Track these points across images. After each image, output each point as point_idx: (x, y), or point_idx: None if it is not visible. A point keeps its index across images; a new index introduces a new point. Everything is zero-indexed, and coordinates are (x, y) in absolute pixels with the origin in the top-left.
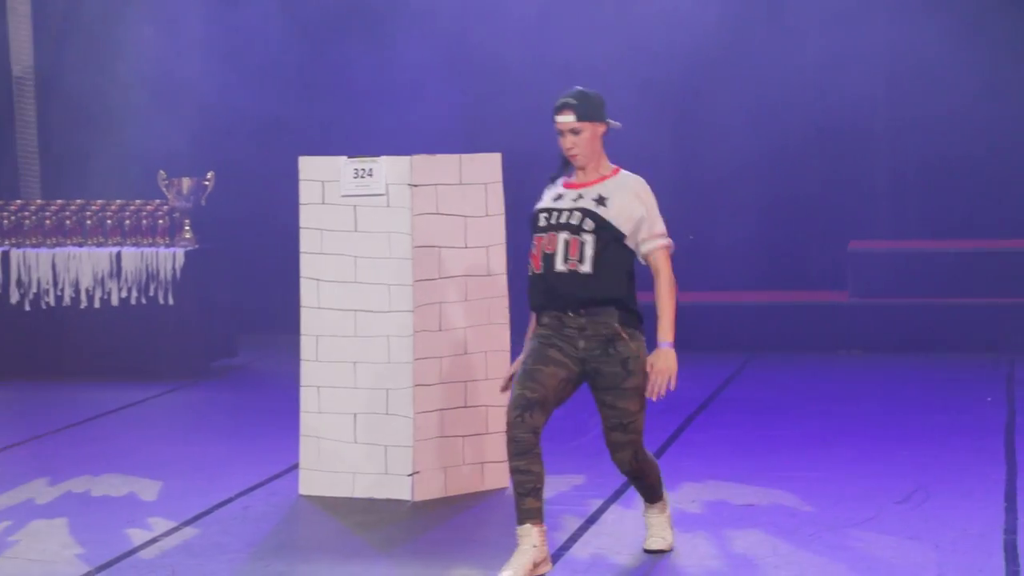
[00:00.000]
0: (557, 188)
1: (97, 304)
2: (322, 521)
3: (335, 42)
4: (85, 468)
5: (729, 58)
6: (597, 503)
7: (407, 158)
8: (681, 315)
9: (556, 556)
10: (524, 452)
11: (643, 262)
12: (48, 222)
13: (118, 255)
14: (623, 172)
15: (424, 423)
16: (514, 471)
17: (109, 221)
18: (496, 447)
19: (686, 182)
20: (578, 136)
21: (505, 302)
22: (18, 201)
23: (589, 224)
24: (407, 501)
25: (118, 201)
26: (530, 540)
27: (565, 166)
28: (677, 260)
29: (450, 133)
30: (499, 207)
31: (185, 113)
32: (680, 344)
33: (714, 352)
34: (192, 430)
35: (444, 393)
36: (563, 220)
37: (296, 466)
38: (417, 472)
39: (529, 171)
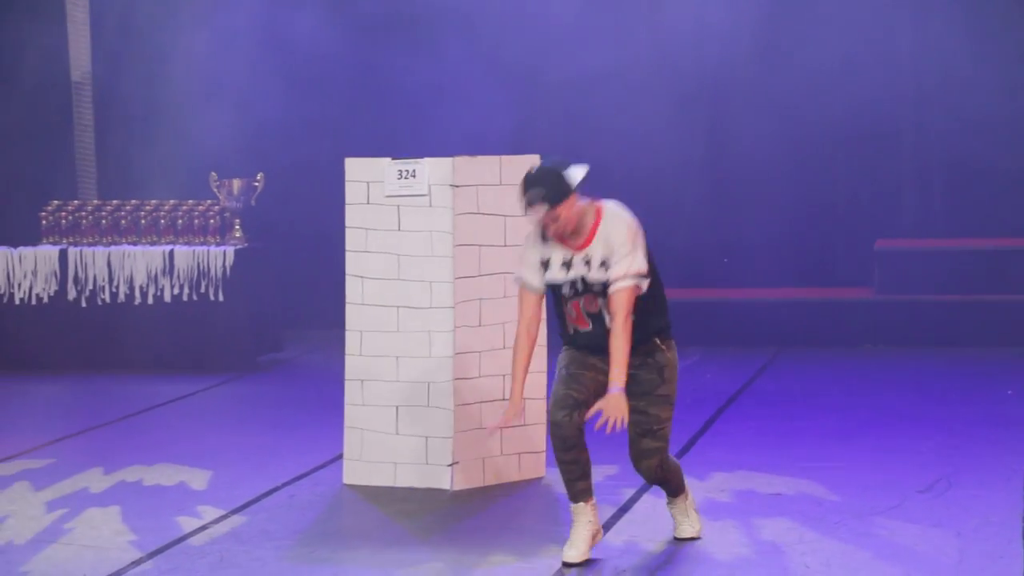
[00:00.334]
0: (553, 249)
1: (150, 300)
2: (365, 509)
3: (382, 47)
4: (138, 458)
5: (760, 61)
6: (630, 492)
7: (449, 159)
8: (713, 311)
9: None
10: (571, 447)
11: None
12: (104, 222)
13: (171, 253)
14: (605, 212)
15: (463, 415)
16: (562, 462)
17: (162, 220)
18: (532, 438)
19: (718, 183)
20: (558, 220)
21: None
22: (75, 201)
23: (581, 268)
24: (447, 490)
25: (171, 201)
26: (585, 516)
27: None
28: (709, 258)
29: (491, 135)
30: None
31: (236, 116)
32: (711, 339)
33: (744, 346)
34: (240, 422)
35: (483, 386)
36: (589, 286)
37: (340, 456)
38: (456, 462)
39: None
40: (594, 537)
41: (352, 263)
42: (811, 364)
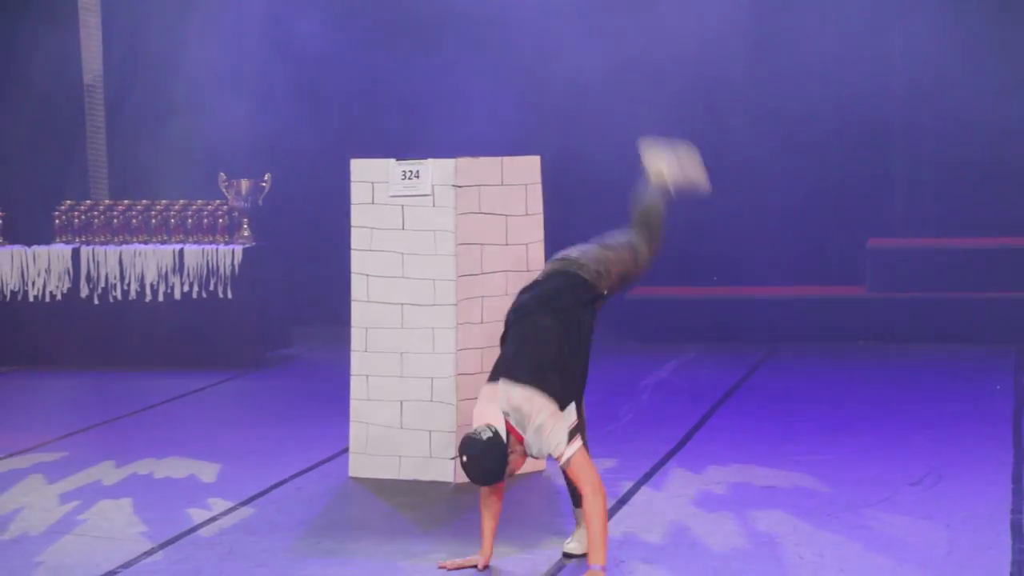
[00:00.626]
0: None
1: (161, 298)
2: (370, 501)
3: (387, 52)
4: (149, 452)
5: (754, 64)
6: (628, 484)
7: (451, 161)
8: (709, 308)
9: None
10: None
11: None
12: (116, 221)
13: (181, 252)
14: (524, 433)
15: (466, 410)
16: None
17: (172, 220)
18: None
19: (714, 183)
20: (511, 472)
21: None
22: (88, 201)
23: None
24: (450, 483)
25: (181, 201)
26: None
27: None
28: (708, 256)
29: (493, 137)
30: (538, 207)
31: (244, 118)
32: (708, 335)
33: (739, 343)
34: (249, 416)
35: (485, 382)
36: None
37: (346, 450)
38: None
39: (567, 173)
40: None
41: (357, 261)
42: (805, 360)
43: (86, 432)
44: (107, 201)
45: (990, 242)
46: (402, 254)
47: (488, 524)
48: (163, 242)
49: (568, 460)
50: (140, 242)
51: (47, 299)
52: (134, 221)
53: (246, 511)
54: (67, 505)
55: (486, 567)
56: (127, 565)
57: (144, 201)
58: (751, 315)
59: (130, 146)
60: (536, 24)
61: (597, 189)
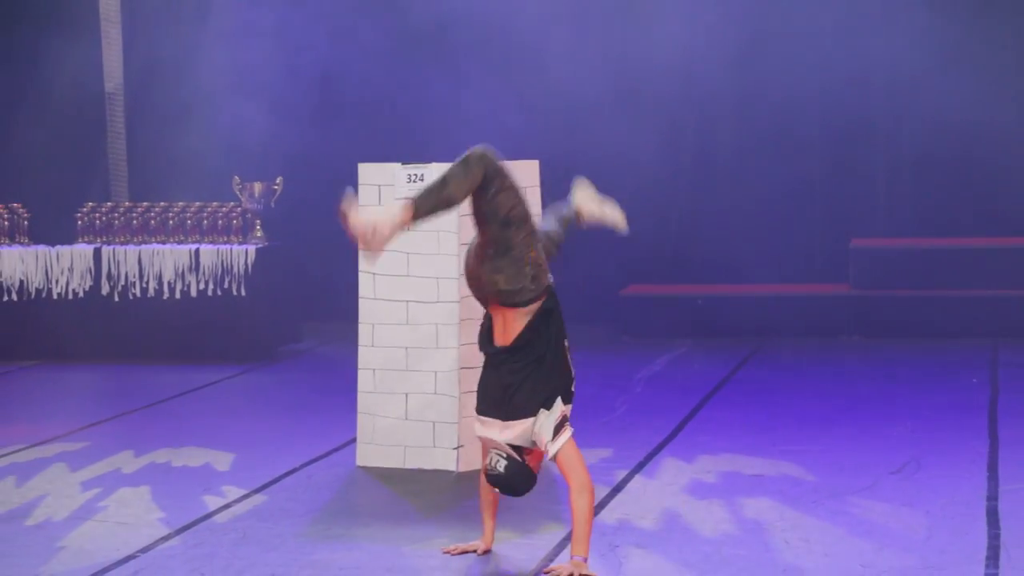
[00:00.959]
0: None
1: (178, 295)
2: (376, 489)
3: (396, 61)
4: (166, 441)
5: (741, 71)
6: (623, 473)
7: None
8: (700, 305)
9: None
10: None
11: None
12: (135, 222)
13: (197, 251)
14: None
15: (468, 402)
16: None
17: (189, 221)
18: None
19: (704, 186)
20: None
21: None
22: (109, 203)
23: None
24: (452, 471)
25: (197, 203)
26: None
27: None
28: (699, 256)
29: (494, 142)
30: (537, 209)
31: (257, 124)
32: (698, 331)
33: (728, 338)
34: (261, 408)
35: None
36: None
37: (354, 440)
38: (461, 446)
39: (566, 177)
40: None
41: (364, 260)
42: (791, 355)
43: (106, 423)
44: (127, 203)
45: (968, 242)
46: (407, 254)
47: (488, 511)
48: (180, 242)
49: (555, 453)
50: (158, 242)
51: (70, 296)
52: (152, 222)
53: (259, 498)
54: (88, 492)
55: (487, 551)
56: (145, 550)
57: (162, 203)
58: (740, 311)
59: (149, 151)
60: (535, 35)
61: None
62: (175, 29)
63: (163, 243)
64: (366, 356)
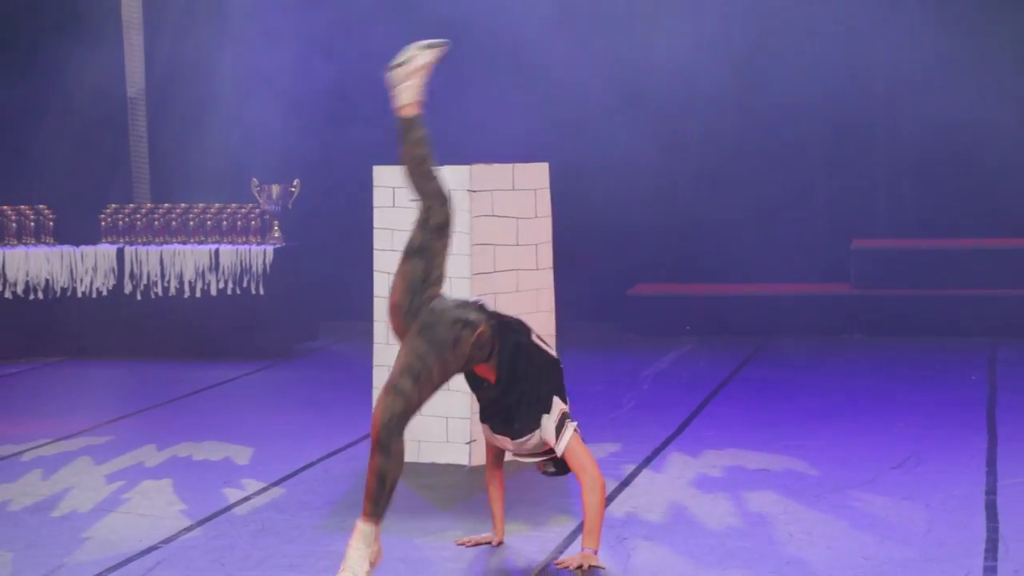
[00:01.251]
0: None
1: (198, 294)
2: None
3: None
4: (187, 436)
5: (744, 74)
6: (631, 468)
7: (467, 167)
8: (705, 304)
9: None
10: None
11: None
12: (157, 223)
13: (216, 252)
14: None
15: None
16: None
17: (209, 222)
18: None
19: (707, 187)
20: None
21: (551, 293)
22: (131, 205)
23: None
24: (465, 465)
25: (216, 205)
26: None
27: None
28: (704, 256)
29: (505, 145)
30: (546, 210)
31: (275, 128)
32: (704, 329)
33: (733, 336)
34: (279, 403)
35: None
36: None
37: (368, 435)
38: (474, 440)
39: (574, 179)
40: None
41: (379, 260)
42: (794, 353)
43: (130, 418)
44: (149, 204)
45: (966, 243)
46: None
47: (497, 504)
48: (200, 242)
49: (563, 449)
50: (179, 242)
51: (94, 295)
52: (173, 223)
53: (277, 491)
54: (112, 485)
55: (500, 543)
56: (167, 540)
57: (183, 204)
58: (744, 310)
59: (170, 154)
60: (543, 43)
61: (600, 192)
62: (196, 36)
63: (184, 243)
64: (381, 353)
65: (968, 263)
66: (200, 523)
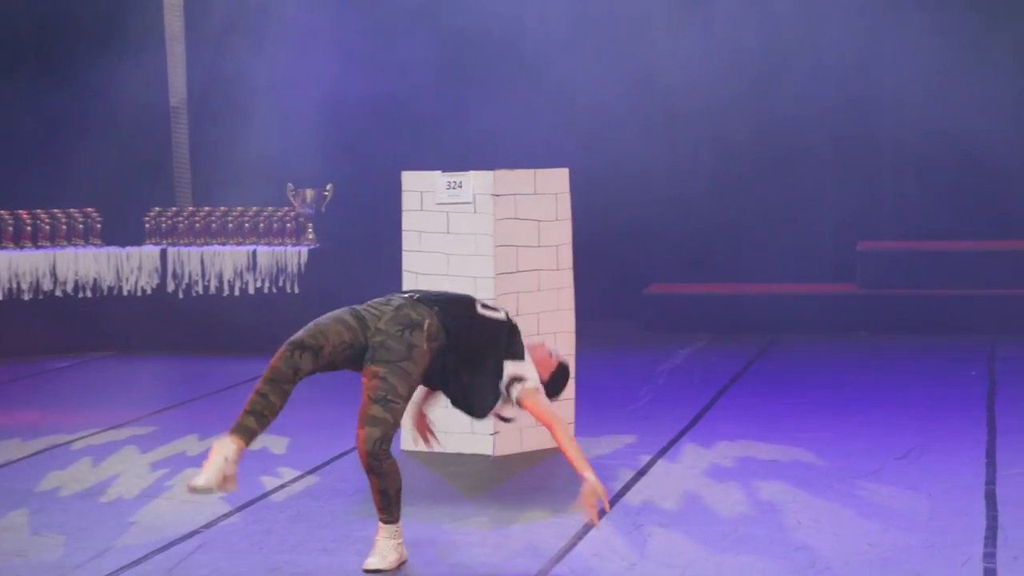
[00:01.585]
0: None
1: (237, 293)
2: (420, 471)
3: (436, 75)
4: (227, 426)
5: (758, 83)
6: (647, 458)
7: (491, 172)
8: (720, 303)
9: (612, 501)
10: (274, 380)
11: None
12: (197, 225)
13: (254, 253)
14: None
15: None
16: (256, 392)
17: (246, 224)
18: (563, 411)
19: (720, 191)
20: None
21: (571, 292)
22: (173, 208)
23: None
24: (489, 455)
25: (254, 208)
26: (222, 452)
27: None
28: (717, 256)
29: (527, 152)
30: (567, 213)
31: (309, 135)
32: (716, 326)
33: (744, 333)
34: (314, 396)
35: None
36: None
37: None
38: (497, 432)
39: (593, 184)
40: (226, 480)
41: (408, 261)
42: (803, 349)
43: (173, 409)
44: (190, 208)
45: (968, 244)
46: (447, 255)
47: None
48: (238, 244)
49: (517, 398)
50: (219, 244)
51: (139, 293)
52: (213, 225)
53: (312, 479)
54: (157, 472)
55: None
56: (208, 525)
57: (222, 208)
58: (755, 309)
59: (210, 159)
60: (565, 54)
61: (618, 196)
62: (234, 47)
63: (223, 244)
64: None
65: (969, 264)
66: (239, 509)
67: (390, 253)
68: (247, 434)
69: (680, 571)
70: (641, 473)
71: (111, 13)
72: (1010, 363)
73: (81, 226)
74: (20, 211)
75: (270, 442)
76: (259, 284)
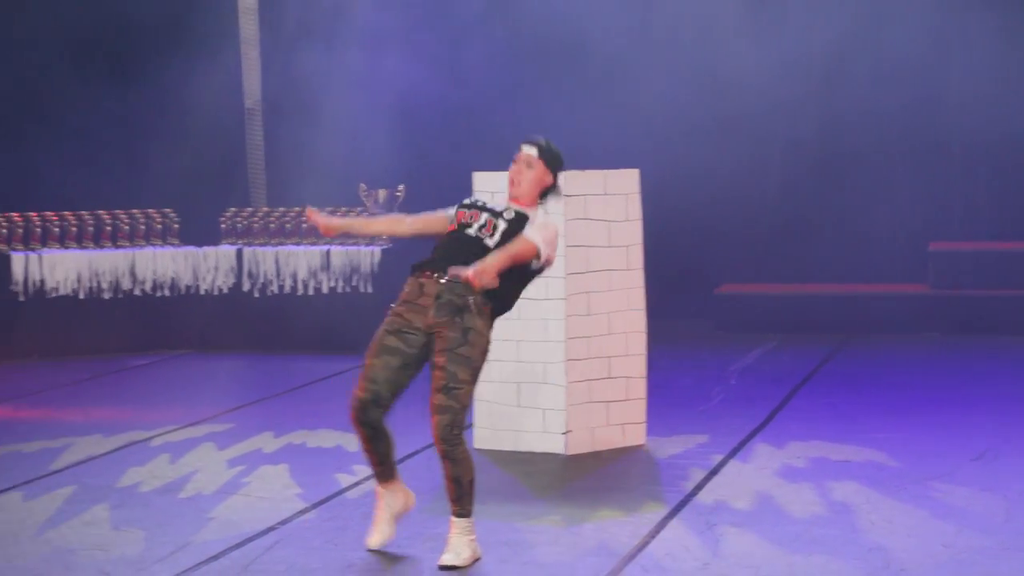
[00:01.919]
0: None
1: (311, 292)
2: (491, 469)
3: (508, 76)
4: (302, 424)
5: (828, 87)
6: (719, 458)
7: (561, 173)
8: (791, 303)
9: (684, 502)
10: (367, 439)
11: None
12: (272, 225)
13: (328, 252)
14: (540, 211)
15: (575, 391)
16: (365, 451)
17: None
18: (635, 411)
19: (791, 193)
20: (529, 169)
21: (642, 292)
22: (249, 208)
23: (509, 215)
24: (561, 455)
25: (328, 208)
26: (382, 499)
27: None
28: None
29: (597, 153)
30: (637, 214)
31: (382, 137)
32: (788, 326)
33: (815, 334)
34: None
35: (591, 366)
36: (488, 206)
37: (471, 425)
38: (569, 431)
39: (664, 185)
40: (397, 515)
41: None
42: (874, 350)
43: (249, 407)
44: (265, 208)
45: None
46: None
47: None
48: (312, 244)
49: (532, 240)
50: (293, 244)
51: (215, 292)
52: (288, 226)
53: None
54: (234, 469)
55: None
56: (284, 522)
57: (296, 208)
58: (826, 309)
59: (284, 161)
60: (636, 59)
61: (689, 197)
62: (307, 50)
63: (297, 244)
64: None
65: None
66: (314, 506)
67: None
68: (387, 476)
69: (754, 571)
70: (713, 473)
71: (186, 17)
72: None
73: (159, 226)
74: (100, 212)
75: (344, 440)
76: (333, 283)
